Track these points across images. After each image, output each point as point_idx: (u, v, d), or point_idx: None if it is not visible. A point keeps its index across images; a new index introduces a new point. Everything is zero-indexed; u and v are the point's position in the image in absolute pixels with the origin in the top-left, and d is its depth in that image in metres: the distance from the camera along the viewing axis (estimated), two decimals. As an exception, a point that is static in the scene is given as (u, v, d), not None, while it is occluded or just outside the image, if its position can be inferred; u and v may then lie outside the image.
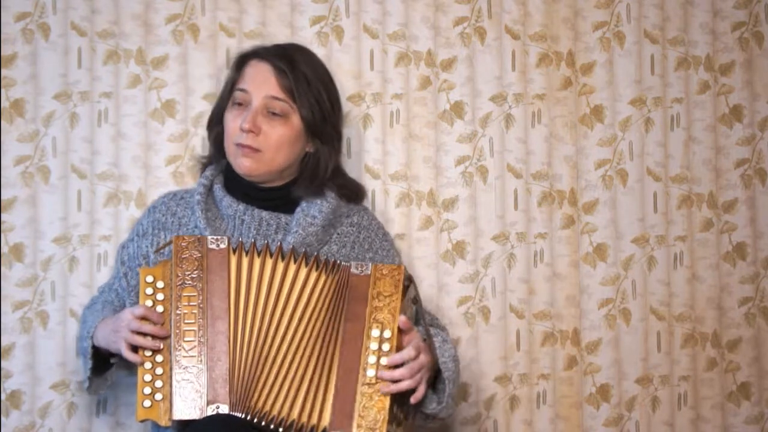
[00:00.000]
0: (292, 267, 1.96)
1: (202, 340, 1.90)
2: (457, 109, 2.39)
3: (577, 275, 2.39)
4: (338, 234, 2.12)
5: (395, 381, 1.88)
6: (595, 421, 2.38)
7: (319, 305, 1.95)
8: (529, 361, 2.37)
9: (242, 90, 2.08)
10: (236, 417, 1.86)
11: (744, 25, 2.45)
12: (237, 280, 1.95)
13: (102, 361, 2.06)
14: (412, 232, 2.37)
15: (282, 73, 2.07)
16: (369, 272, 1.95)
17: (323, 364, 1.91)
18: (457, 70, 2.39)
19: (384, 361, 1.88)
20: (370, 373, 1.88)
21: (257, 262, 1.96)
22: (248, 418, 1.86)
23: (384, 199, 2.37)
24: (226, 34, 2.36)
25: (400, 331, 1.91)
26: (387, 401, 1.87)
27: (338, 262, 1.98)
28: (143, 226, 2.15)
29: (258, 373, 1.90)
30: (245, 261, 1.96)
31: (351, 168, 2.32)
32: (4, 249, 2.29)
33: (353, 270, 1.96)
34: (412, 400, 1.90)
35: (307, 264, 1.97)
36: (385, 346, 1.89)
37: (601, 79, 2.42)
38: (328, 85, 2.14)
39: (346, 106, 2.36)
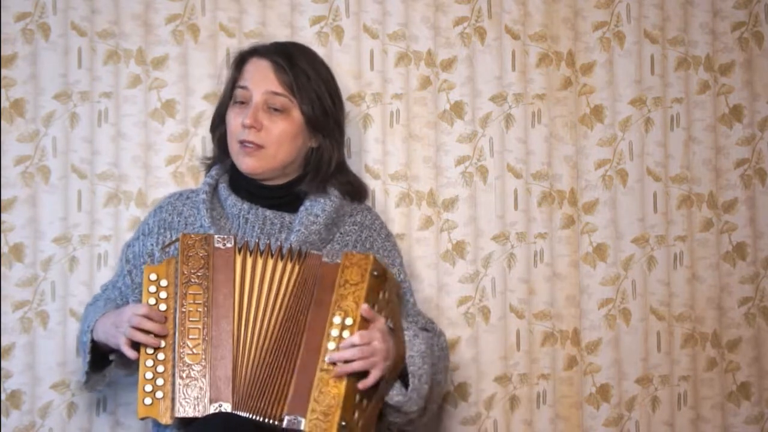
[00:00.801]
0: (279, 263, 1.97)
1: (206, 338, 1.90)
2: (457, 109, 2.39)
3: (577, 275, 2.39)
4: (341, 233, 2.12)
5: (345, 361, 1.88)
6: (595, 421, 2.38)
7: (293, 296, 1.95)
8: (529, 361, 2.37)
9: (242, 87, 2.09)
10: (238, 416, 1.86)
11: (744, 25, 2.45)
12: (242, 280, 1.95)
13: (101, 357, 2.06)
14: (412, 232, 2.37)
15: (281, 69, 2.08)
16: (339, 260, 1.96)
17: (292, 351, 1.91)
18: (457, 70, 2.39)
19: (339, 346, 1.89)
20: (328, 358, 1.88)
21: (261, 262, 1.97)
22: (251, 416, 1.86)
23: (384, 199, 2.37)
24: (226, 34, 2.36)
25: (365, 320, 1.91)
26: (342, 386, 1.86)
27: (307, 251, 1.99)
28: (149, 225, 2.15)
29: (262, 371, 1.90)
30: (250, 261, 1.97)
31: (351, 168, 2.32)
32: (4, 249, 2.29)
33: (324, 259, 1.97)
34: (360, 385, 1.89)
35: (282, 257, 1.97)
36: (346, 333, 1.89)
37: (601, 79, 2.42)
38: (329, 80, 2.14)
39: (346, 106, 2.36)
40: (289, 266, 1.97)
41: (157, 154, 2.33)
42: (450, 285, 2.36)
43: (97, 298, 2.19)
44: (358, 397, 1.90)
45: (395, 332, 1.96)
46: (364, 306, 1.91)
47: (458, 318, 2.35)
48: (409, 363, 1.98)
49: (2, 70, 2.31)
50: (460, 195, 2.38)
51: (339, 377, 1.87)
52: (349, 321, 1.90)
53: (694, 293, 2.42)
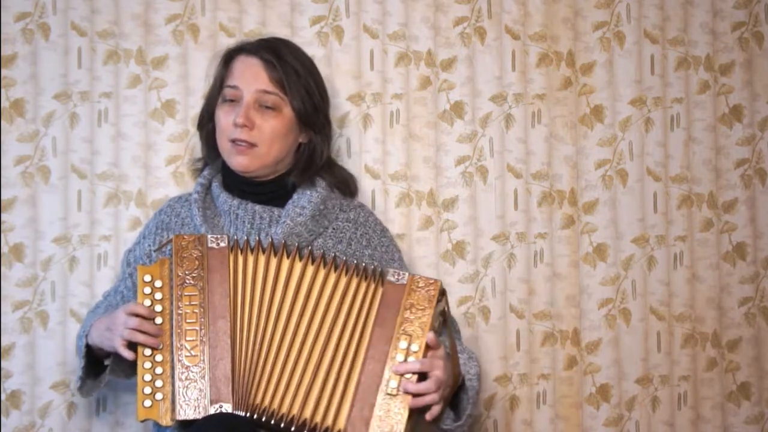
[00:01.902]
0: (298, 264, 1.97)
1: (204, 339, 1.90)
2: (457, 109, 2.39)
3: (577, 275, 2.39)
4: (334, 228, 2.12)
5: (418, 393, 1.87)
6: (595, 421, 2.38)
7: (336, 305, 1.94)
8: (529, 361, 2.37)
9: (232, 86, 2.09)
10: (239, 416, 1.86)
11: (744, 25, 2.45)
12: (236, 279, 1.95)
13: (96, 363, 2.06)
14: (412, 232, 2.37)
15: (271, 66, 2.08)
16: (405, 282, 1.94)
17: (342, 364, 1.91)
18: (457, 70, 2.39)
19: (394, 369, 1.87)
20: (393, 383, 1.87)
21: (258, 259, 1.97)
22: (252, 416, 1.86)
23: (384, 199, 2.37)
24: (226, 34, 2.36)
25: (428, 348, 1.90)
26: (406, 413, 1.86)
27: (377, 268, 1.98)
28: (149, 228, 2.17)
29: (261, 371, 1.90)
30: (242, 259, 1.97)
31: (351, 168, 2.32)
32: (4, 249, 2.29)
33: (389, 277, 1.95)
34: (427, 416, 1.89)
35: (324, 265, 1.97)
36: (411, 360, 1.88)
37: (601, 79, 2.42)
38: (315, 75, 2.15)
39: (346, 106, 2.36)
40: (343, 277, 1.96)
41: (157, 154, 2.33)
42: (450, 285, 2.36)
43: (98, 305, 2.19)
44: (412, 423, 1.90)
45: (451, 355, 1.96)
46: (431, 334, 1.90)
47: (458, 318, 2.35)
48: (469, 387, 1.98)
49: (2, 70, 2.31)
50: (460, 195, 2.38)
51: (402, 403, 1.86)
52: (415, 347, 1.89)
53: (694, 293, 2.42)
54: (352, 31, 2.38)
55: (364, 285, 1.96)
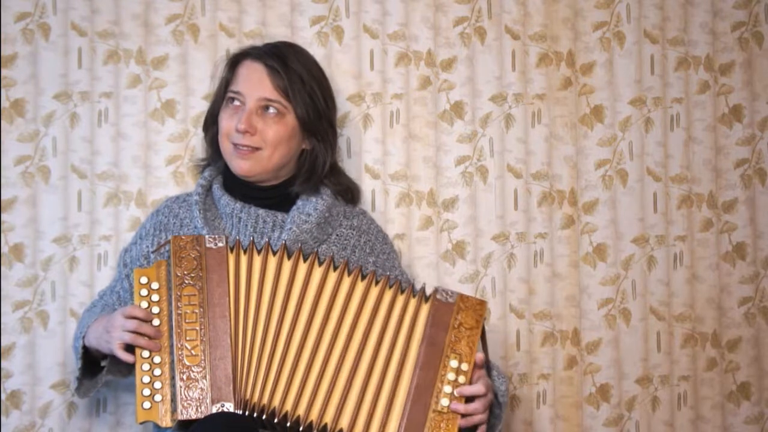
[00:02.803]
0: (318, 270, 1.97)
1: (204, 339, 1.90)
2: (457, 109, 2.39)
3: (577, 275, 2.39)
4: (337, 235, 2.12)
5: (467, 414, 1.89)
6: (595, 421, 2.38)
7: (370, 316, 1.95)
8: (529, 361, 2.38)
9: (236, 92, 2.10)
10: (240, 415, 1.86)
11: (744, 25, 2.45)
12: (236, 279, 1.95)
13: (93, 364, 2.06)
14: (412, 232, 2.37)
15: (275, 73, 2.08)
16: (453, 301, 1.96)
17: (382, 375, 1.91)
18: (457, 70, 2.39)
19: (457, 392, 1.89)
20: (444, 402, 1.89)
21: (258, 259, 1.97)
22: (254, 415, 1.86)
23: (384, 199, 2.37)
24: (226, 34, 2.36)
25: (475, 366, 1.92)
26: (455, 430, 1.88)
27: (423, 285, 2.00)
28: (146, 229, 2.16)
29: (263, 370, 1.90)
30: (244, 259, 1.96)
31: (351, 168, 2.32)
32: (4, 249, 2.29)
33: (438, 296, 1.96)
34: None
35: (366, 279, 1.98)
36: (461, 379, 1.91)
37: (601, 79, 2.42)
38: (321, 81, 2.15)
39: (346, 106, 2.36)
40: (374, 288, 1.97)
41: (157, 154, 2.33)
42: (450, 285, 2.36)
43: (94, 304, 2.18)
44: None
45: (489, 371, 1.99)
46: (480, 354, 1.92)
47: (458, 318, 2.36)
48: (502, 404, 2.00)
49: (2, 70, 2.31)
50: (460, 195, 2.38)
51: (451, 421, 1.88)
52: (464, 367, 1.91)
53: (694, 293, 2.42)
54: (352, 31, 2.38)
55: (401, 298, 1.97)
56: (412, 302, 1.97)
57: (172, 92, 2.34)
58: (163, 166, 2.33)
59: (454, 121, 2.39)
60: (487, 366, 1.99)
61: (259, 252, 1.97)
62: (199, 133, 2.31)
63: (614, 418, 2.39)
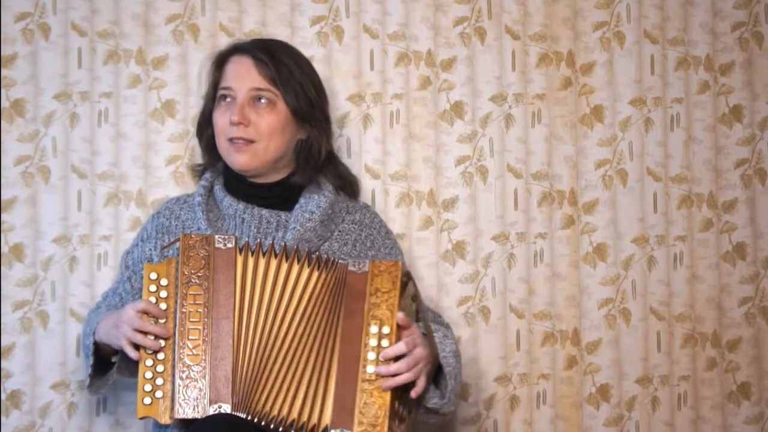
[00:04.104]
0: (295, 266, 1.97)
1: (206, 339, 1.90)
2: (457, 109, 2.39)
3: (577, 275, 2.39)
4: (339, 231, 2.13)
5: (394, 375, 1.87)
6: (595, 421, 2.38)
7: (316, 303, 1.95)
8: (529, 361, 2.37)
9: (226, 88, 2.10)
10: (238, 417, 1.86)
11: (744, 25, 2.45)
12: (243, 280, 1.95)
13: (104, 360, 2.06)
14: (412, 232, 2.37)
15: (262, 64, 2.08)
16: (366, 269, 1.94)
17: (322, 361, 1.91)
18: (457, 70, 2.39)
19: (381, 356, 1.87)
20: (370, 369, 1.87)
21: (262, 262, 1.96)
22: (250, 418, 1.86)
23: (384, 199, 2.37)
24: (226, 34, 2.36)
25: (399, 328, 1.90)
26: (387, 397, 1.86)
27: (335, 259, 1.98)
28: (147, 231, 2.16)
29: (261, 373, 1.90)
30: (251, 261, 1.96)
31: (351, 168, 2.32)
32: (4, 249, 2.29)
33: (351, 267, 1.95)
34: (413, 393, 1.90)
35: (308, 264, 1.97)
36: (384, 343, 1.88)
37: (601, 79, 2.42)
38: (310, 73, 2.15)
39: (346, 106, 2.36)
40: (307, 271, 1.96)
41: (157, 154, 2.33)
42: (450, 285, 2.36)
43: (98, 305, 2.19)
44: (398, 405, 1.90)
45: (427, 335, 1.96)
46: (400, 314, 1.90)
47: (458, 318, 2.35)
48: (445, 364, 1.98)
49: (2, 70, 2.31)
50: (460, 195, 2.38)
51: (389, 388, 1.86)
52: (386, 330, 1.89)
53: (694, 293, 2.42)
54: (352, 31, 2.38)
55: (329, 278, 1.96)
56: (338, 280, 1.95)
57: (172, 92, 2.34)
58: (163, 166, 2.33)
59: (454, 121, 2.39)
60: (432, 330, 1.98)
61: (267, 254, 1.97)
62: (199, 133, 2.31)
63: (614, 418, 2.39)
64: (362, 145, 2.37)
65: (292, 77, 2.10)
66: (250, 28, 2.36)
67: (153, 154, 2.33)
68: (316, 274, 1.96)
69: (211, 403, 1.86)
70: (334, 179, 2.17)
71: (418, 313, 2.01)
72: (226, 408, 1.86)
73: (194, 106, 2.33)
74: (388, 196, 2.37)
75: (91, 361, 2.04)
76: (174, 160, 2.33)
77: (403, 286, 1.93)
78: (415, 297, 1.99)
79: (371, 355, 1.88)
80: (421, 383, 1.90)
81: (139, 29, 2.34)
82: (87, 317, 2.18)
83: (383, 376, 1.87)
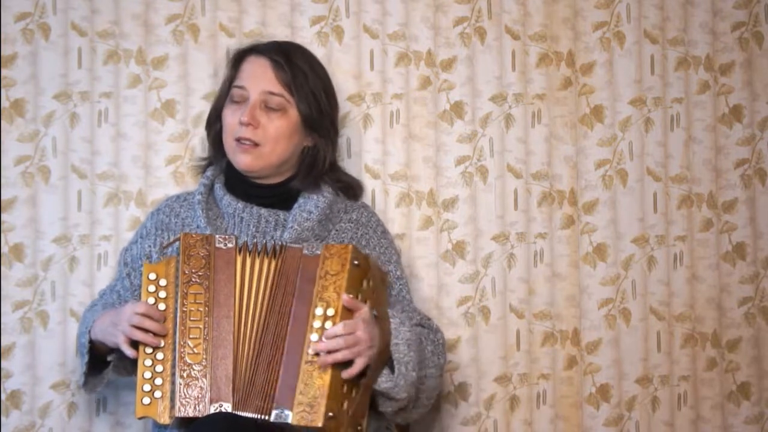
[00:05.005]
0: (270, 260, 1.97)
1: (207, 338, 1.90)
2: (457, 109, 2.39)
3: (577, 275, 2.39)
4: (336, 230, 2.13)
5: (328, 351, 1.87)
6: (595, 421, 2.38)
7: (273, 288, 1.95)
8: (529, 361, 2.37)
9: (240, 87, 2.10)
10: (238, 416, 1.86)
11: (744, 25, 2.45)
12: (242, 280, 1.95)
13: (99, 360, 2.06)
14: (412, 232, 2.37)
15: (279, 67, 2.08)
16: (319, 252, 1.95)
17: (278, 345, 1.91)
18: (457, 70, 2.39)
19: (324, 336, 1.88)
20: (312, 350, 1.88)
21: (259, 261, 1.96)
22: (251, 416, 1.86)
23: (384, 199, 2.37)
24: (226, 34, 2.36)
25: (348, 310, 1.91)
26: (327, 377, 1.86)
27: (293, 246, 1.98)
28: (146, 228, 2.16)
29: (256, 370, 1.90)
30: (249, 260, 1.97)
31: (351, 168, 2.32)
32: (4, 249, 2.29)
33: (305, 251, 1.96)
34: (345, 374, 1.88)
35: (267, 255, 1.97)
36: (328, 324, 1.89)
37: (601, 79, 2.42)
38: (325, 80, 2.15)
39: (346, 106, 2.36)
40: (269, 261, 1.97)
41: (157, 154, 2.33)
42: (450, 285, 2.36)
43: (95, 303, 2.19)
44: (345, 387, 1.90)
45: (381, 320, 1.96)
46: (345, 296, 1.91)
47: (458, 318, 2.35)
48: (394, 350, 1.98)
49: (2, 70, 2.31)
50: (460, 195, 2.38)
51: (324, 368, 1.87)
52: (330, 311, 1.90)
53: (694, 293, 2.42)
54: (352, 31, 2.38)
55: (287, 265, 1.96)
56: (296, 265, 1.95)
57: (172, 92, 2.34)
58: (163, 166, 2.33)
59: (454, 121, 2.39)
60: (388, 315, 1.98)
61: (263, 253, 1.97)
62: (199, 133, 2.31)
63: (614, 418, 2.38)
64: (362, 145, 2.37)
65: (307, 83, 2.10)
66: (250, 28, 2.36)
67: (153, 154, 2.33)
68: (271, 261, 1.96)
69: (212, 402, 1.86)
70: (334, 183, 2.17)
71: (378, 298, 1.99)
72: (227, 407, 1.86)
73: (194, 106, 2.33)
74: (388, 196, 2.37)
75: (86, 359, 2.04)
76: (174, 160, 2.33)
77: (355, 268, 1.93)
78: (383, 282, 1.98)
79: (314, 337, 1.89)
80: (357, 365, 1.89)
81: (139, 29, 2.34)
82: (83, 315, 2.18)
83: (320, 354, 1.87)
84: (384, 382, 1.97)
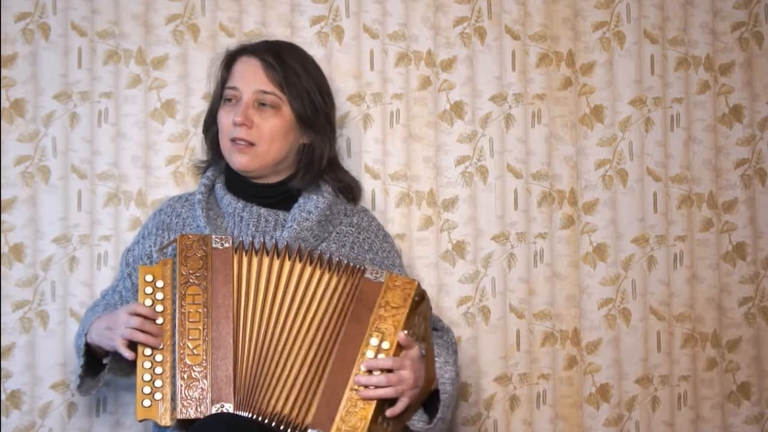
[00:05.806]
0: (298, 265, 1.97)
1: (206, 338, 1.90)
2: (457, 109, 2.39)
3: (577, 275, 2.39)
4: (337, 233, 2.13)
5: (370, 385, 1.87)
6: (595, 421, 2.38)
7: (325, 304, 1.95)
8: (529, 361, 2.38)
9: (232, 88, 2.11)
10: (240, 416, 1.86)
11: (744, 25, 2.45)
12: (239, 279, 1.95)
13: (95, 362, 2.06)
14: (412, 232, 2.37)
15: (270, 66, 2.09)
16: (382, 280, 1.94)
17: (319, 360, 1.91)
18: (457, 70, 2.39)
19: (364, 365, 1.88)
20: (358, 380, 1.87)
21: (262, 260, 1.97)
22: (252, 417, 1.86)
23: (384, 199, 2.37)
24: (226, 34, 2.36)
25: (400, 347, 1.91)
26: (371, 409, 1.86)
27: (357, 266, 1.98)
28: (148, 228, 2.16)
29: (262, 372, 1.90)
30: (246, 260, 1.97)
31: (351, 168, 2.32)
32: (4, 249, 2.29)
33: (367, 275, 1.96)
34: (389, 412, 1.89)
35: (320, 265, 1.97)
36: (381, 356, 1.89)
37: (601, 79, 2.42)
38: (318, 77, 2.15)
39: (346, 106, 2.36)
40: (326, 275, 1.96)
41: (157, 154, 2.33)
42: (450, 285, 2.36)
43: (96, 303, 2.19)
44: (380, 420, 1.89)
45: (426, 359, 1.96)
46: (402, 333, 1.90)
47: (458, 318, 2.35)
48: (442, 390, 1.99)
49: (2, 70, 2.31)
50: (460, 195, 2.38)
51: (368, 399, 1.86)
52: (385, 345, 1.89)
53: (694, 293, 2.42)
54: (352, 31, 2.38)
55: (343, 282, 1.96)
56: (351, 284, 1.95)
57: (172, 92, 2.34)
58: (163, 166, 2.33)
59: (454, 121, 2.39)
60: (433, 354, 1.98)
61: (259, 252, 1.97)
62: (199, 133, 2.31)
63: (614, 418, 2.39)
64: (362, 145, 2.37)
65: (299, 82, 2.10)
66: (250, 28, 2.36)
67: (153, 154, 2.33)
68: (326, 275, 1.96)
69: (213, 402, 1.86)
70: (334, 183, 2.17)
71: (425, 333, 2.00)
72: (229, 407, 1.86)
73: (194, 106, 2.33)
74: (388, 196, 2.37)
75: (81, 361, 2.04)
76: (174, 160, 2.33)
77: (415, 305, 1.93)
78: (426, 317, 1.98)
79: (362, 366, 1.88)
80: (400, 405, 1.90)
81: (139, 29, 2.34)
82: (84, 316, 2.18)
83: (363, 386, 1.87)
84: (418, 421, 1.97)
